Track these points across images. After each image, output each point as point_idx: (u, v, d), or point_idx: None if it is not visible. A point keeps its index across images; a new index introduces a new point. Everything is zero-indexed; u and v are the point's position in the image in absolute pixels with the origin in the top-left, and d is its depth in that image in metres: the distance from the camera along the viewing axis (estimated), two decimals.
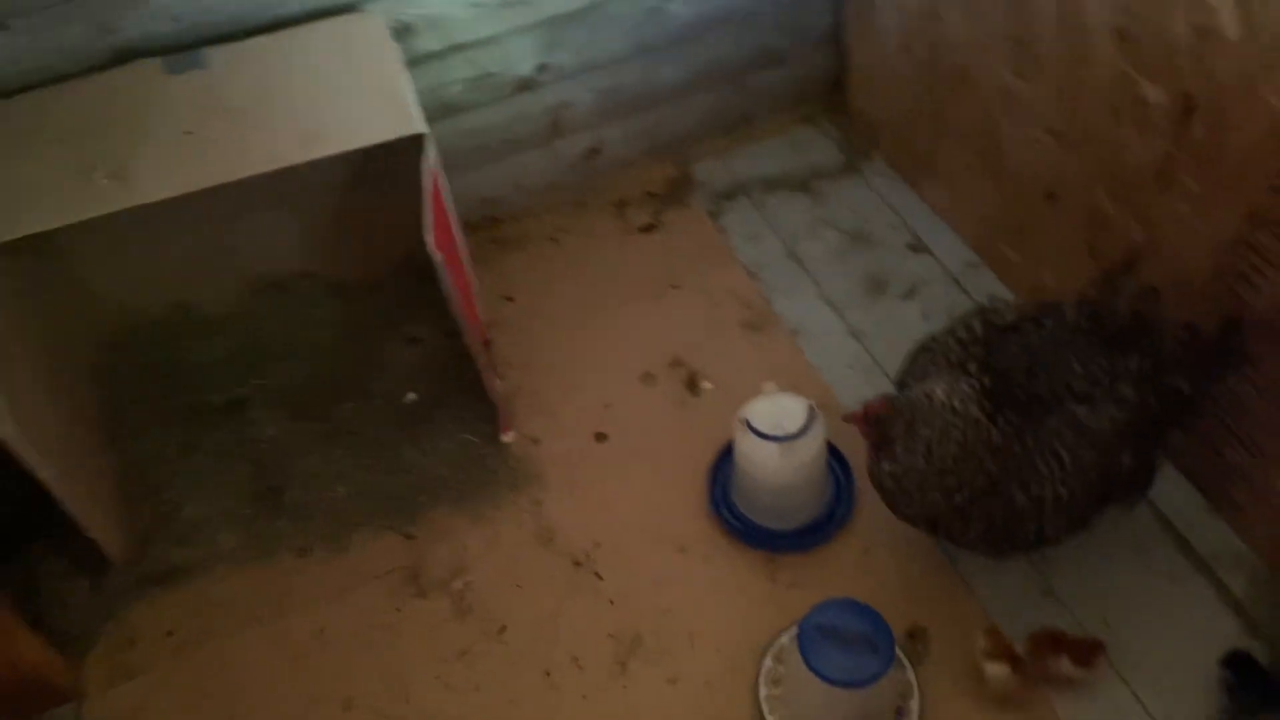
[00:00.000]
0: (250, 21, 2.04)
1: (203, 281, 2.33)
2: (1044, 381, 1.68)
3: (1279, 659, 1.75)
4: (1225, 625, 1.83)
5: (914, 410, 1.64)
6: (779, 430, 1.85)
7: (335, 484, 2.13)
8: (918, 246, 2.51)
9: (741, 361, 2.30)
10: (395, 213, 2.20)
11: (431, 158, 1.86)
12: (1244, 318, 1.68)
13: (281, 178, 1.79)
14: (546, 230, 2.61)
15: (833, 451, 2.04)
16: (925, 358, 1.77)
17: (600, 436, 2.20)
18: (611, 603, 1.96)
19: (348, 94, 1.92)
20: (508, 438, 2.19)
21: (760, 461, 1.89)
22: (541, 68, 2.40)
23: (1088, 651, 1.75)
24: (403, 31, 2.17)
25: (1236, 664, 1.74)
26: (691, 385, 2.27)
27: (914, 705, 1.75)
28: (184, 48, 2.01)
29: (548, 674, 1.88)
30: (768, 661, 1.83)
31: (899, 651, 1.77)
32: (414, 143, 1.84)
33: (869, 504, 1.97)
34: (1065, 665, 1.73)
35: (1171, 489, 1.97)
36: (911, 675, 1.78)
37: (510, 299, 2.47)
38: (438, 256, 1.77)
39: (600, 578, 1.99)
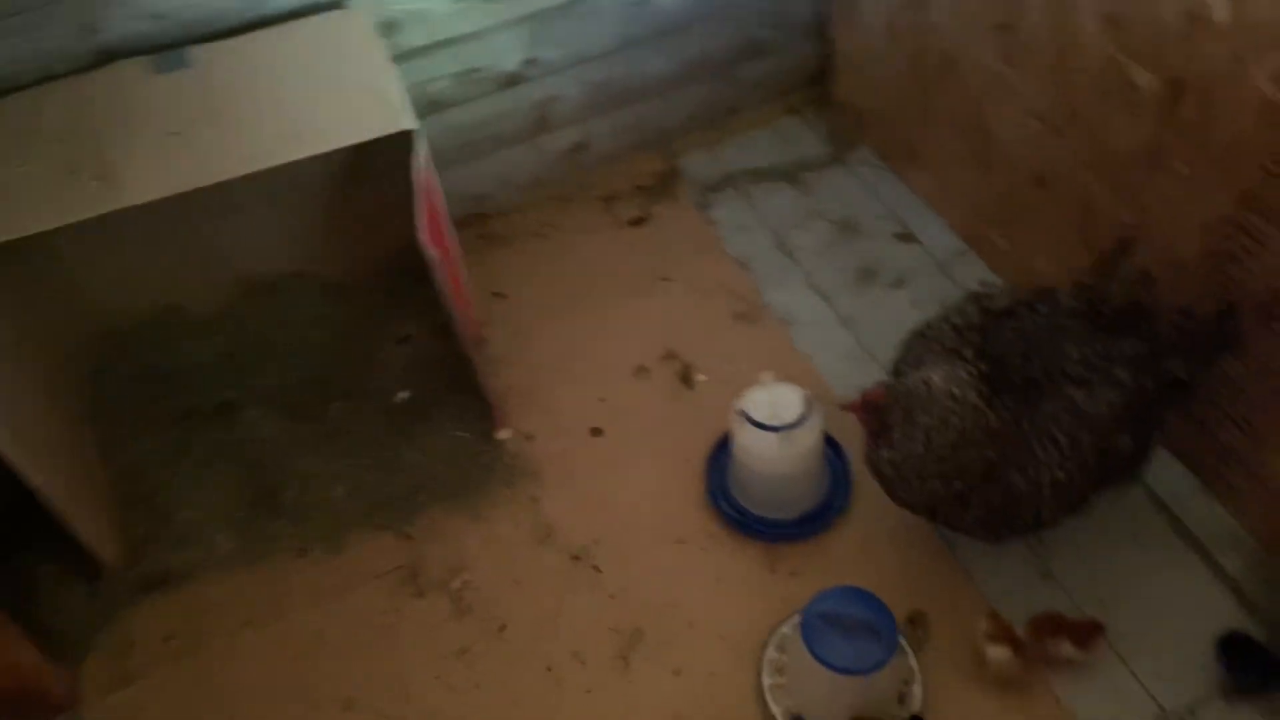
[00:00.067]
0: (235, 19, 2.03)
1: (191, 283, 2.31)
2: (1040, 366, 1.69)
3: (1276, 637, 1.77)
4: (1221, 605, 1.85)
5: (912, 397, 1.65)
6: (777, 420, 1.86)
7: (331, 485, 2.12)
8: (906, 235, 2.51)
9: (734, 353, 2.30)
10: (382, 210, 2.20)
11: (422, 153, 1.85)
12: (1236, 299, 1.69)
13: (269, 176, 1.77)
14: (535, 226, 2.60)
15: (828, 440, 2.04)
16: (921, 344, 1.78)
17: (596, 431, 2.20)
18: (612, 597, 1.96)
19: (336, 91, 1.91)
20: (503, 435, 2.18)
21: (759, 452, 1.89)
22: (528, 62, 2.39)
23: (1087, 633, 1.76)
24: (388, 27, 2.16)
25: (1235, 645, 1.76)
26: (685, 378, 2.27)
27: (916, 690, 1.76)
28: (168, 47, 1.99)
29: (549, 670, 1.87)
30: (770, 651, 1.83)
31: (900, 637, 1.77)
32: (402, 139, 1.83)
33: (866, 492, 1.98)
34: (1065, 647, 1.75)
35: (1165, 471, 1.98)
36: (913, 660, 1.79)
37: (501, 295, 2.46)
38: (432, 253, 1.76)
39: (599, 572, 1.99)
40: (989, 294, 1.80)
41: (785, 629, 1.85)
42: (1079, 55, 1.84)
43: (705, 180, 2.68)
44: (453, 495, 2.10)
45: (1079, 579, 1.89)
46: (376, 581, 2.00)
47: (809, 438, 1.89)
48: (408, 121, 1.82)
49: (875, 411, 1.70)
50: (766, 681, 1.80)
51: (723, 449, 2.07)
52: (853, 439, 1.95)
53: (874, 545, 1.98)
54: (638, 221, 2.60)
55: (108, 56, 1.97)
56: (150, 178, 1.76)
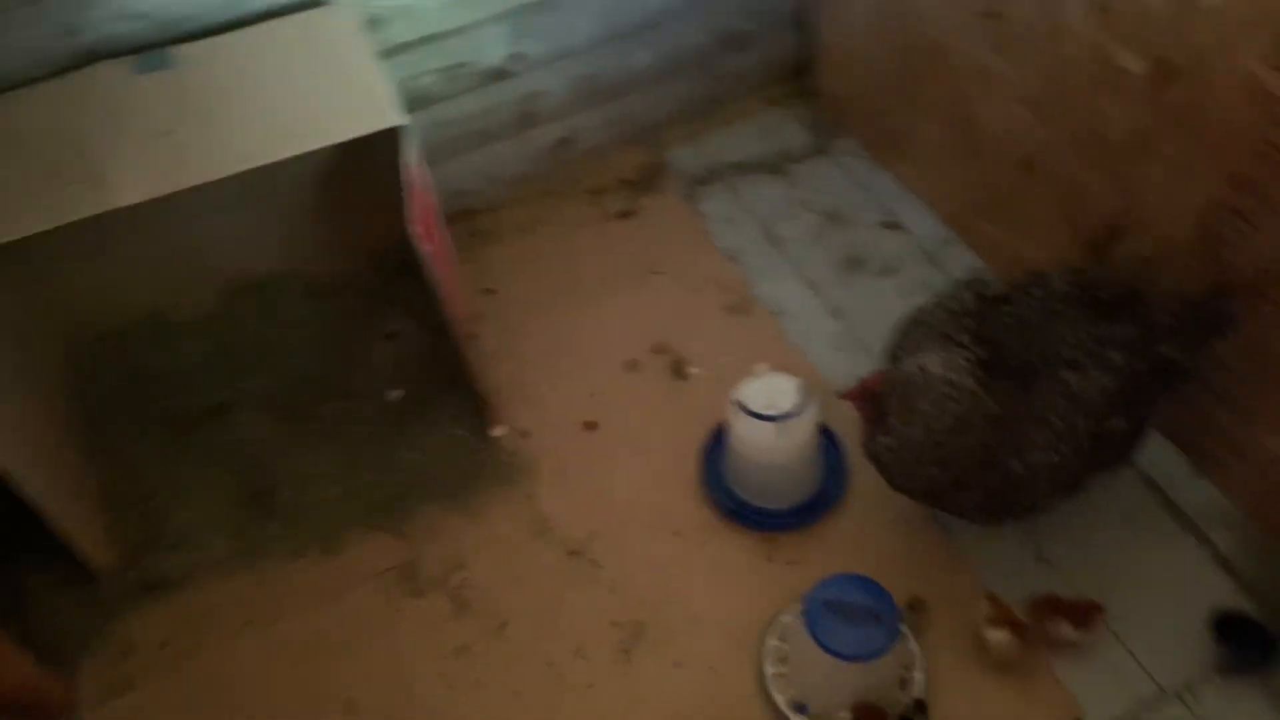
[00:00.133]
0: (218, 18, 2.00)
1: (179, 284, 2.29)
2: (1035, 350, 1.70)
3: (1270, 614, 1.79)
4: (1215, 583, 1.87)
5: (909, 384, 1.66)
6: (774, 410, 1.86)
7: (325, 485, 2.10)
8: (892, 224, 2.52)
9: (725, 344, 2.30)
10: (368, 207, 2.18)
11: (413, 149, 1.84)
12: (1228, 281, 1.71)
13: (256, 176, 1.75)
14: (523, 221, 2.59)
15: (823, 429, 2.04)
16: (917, 331, 1.78)
17: (589, 425, 2.19)
18: (611, 591, 1.95)
19: (322, 88, 1.89)
20: (497, 431, 2.18)
21: (755, 442, 1.89)
22: (512, 57, 2.38)
23: (1086, 614, 1.78)
24: (373, 23, 2.14)
25: (1230, 622, 1.78)
26: (677, 370, 2.27)
27: (917, 675, 1.77)
28: (151, 47, 1.96)
29: (550, 666, 1.87)
30: (771, 640, 1.84)
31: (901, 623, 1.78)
32: (389, 136, 1.82)
33: (862, 479, 1.99)
34: (1065, 629, 1.76)
35: (1156, 451, 2.00)
36: (914, 645, 1.80)
37: (490, 291, 2.45)
38: (425, 248, 1.75)
39: (598, 566, 1.99)
40: (983, 280, 1.81)
41: (785, 618, 1.85)
42: (1067, 41, 1.85)
43: (692, 173, 2.68)
44: (449, 493, 2.09)
45: (1074, 561, 1.91)
46: (375, 581, 1.99)
47: (805, 427, 1.90)
48: (396, 118, 1.81)
49: (873, 399, 1.70)
50: (768, 671, 1.81)
51: (717, 441, 2.08)
52: (847, 427, 1.96)
53: (870, 533, 1.99)
54: (625, 215, 2.60)
55: (89, 58, 1.94)
56: (136, 179, 1.73)
